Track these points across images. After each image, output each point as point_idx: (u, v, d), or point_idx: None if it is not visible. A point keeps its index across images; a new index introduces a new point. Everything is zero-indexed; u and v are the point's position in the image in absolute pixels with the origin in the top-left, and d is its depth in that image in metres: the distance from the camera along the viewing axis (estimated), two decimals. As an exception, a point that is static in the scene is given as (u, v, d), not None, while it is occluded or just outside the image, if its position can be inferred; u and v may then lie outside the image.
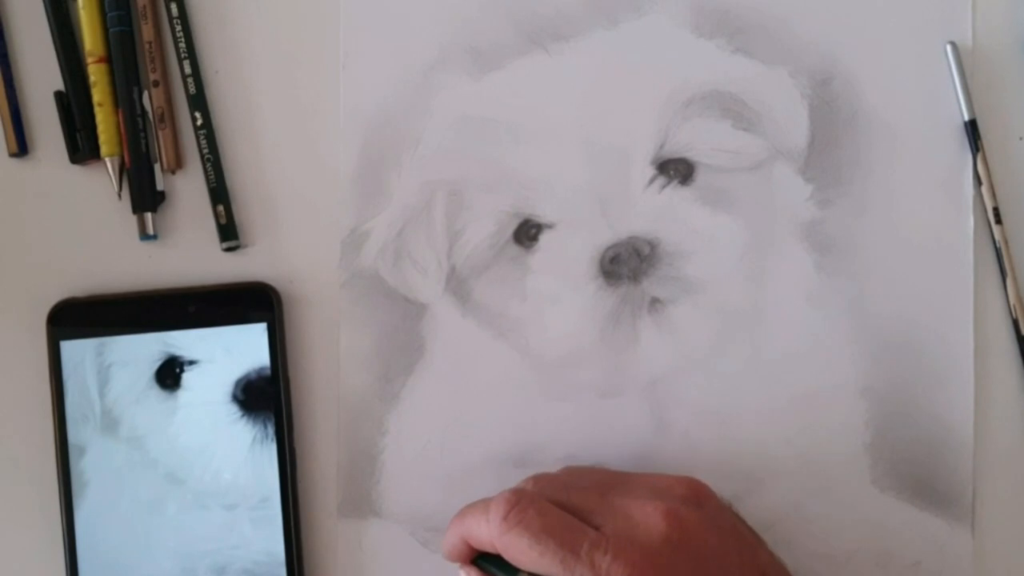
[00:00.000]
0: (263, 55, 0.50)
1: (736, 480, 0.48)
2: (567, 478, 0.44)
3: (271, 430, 0.48)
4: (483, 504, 0.42)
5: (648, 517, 0.40)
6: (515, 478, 0.47)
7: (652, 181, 0.48)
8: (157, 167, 0.50)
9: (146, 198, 0.49)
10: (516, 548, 0.40)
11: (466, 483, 0.49)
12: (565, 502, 0.41)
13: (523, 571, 0.41)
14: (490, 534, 0.41)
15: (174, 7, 0.49)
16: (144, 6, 0.49)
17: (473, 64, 0.49)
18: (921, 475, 0.48)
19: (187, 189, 0.50)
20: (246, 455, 0.48)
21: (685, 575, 0.39)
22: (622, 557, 0.39)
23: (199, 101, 0.49)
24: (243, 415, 0.48)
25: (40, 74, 0.50)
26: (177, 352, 0.48)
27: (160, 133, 0.49)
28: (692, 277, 0.48)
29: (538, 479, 0.43)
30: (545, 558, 0.39)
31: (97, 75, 0.49)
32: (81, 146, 0.49)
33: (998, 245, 0.48)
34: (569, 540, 0.39)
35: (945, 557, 0.48)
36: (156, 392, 0.48)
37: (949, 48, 0.48)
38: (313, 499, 0.49)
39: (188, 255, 0.50)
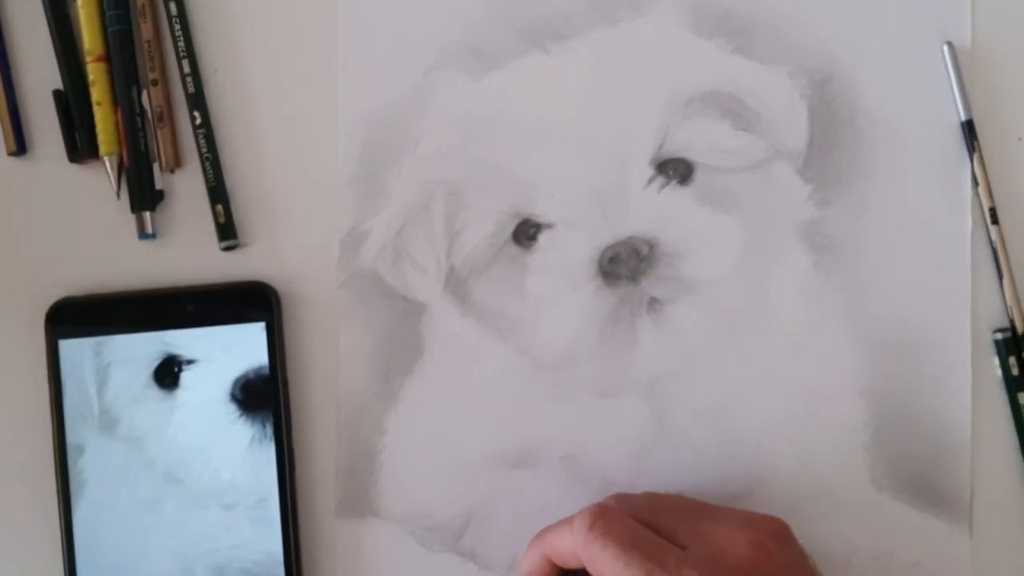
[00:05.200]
0: (262, 54, 0.50)
1: (736, 480, 0.48)
2: (648, 501, 0.44)
3: (270, 430, 0.48)
4: (565, 521, 0.42)
5: (735, 545, 0.40)
6: (514, 478, 0.47)
7: (651, 181, 0.48)
8: (156, 166, 0.49)
9: (145, 197, 0.49)
10: (601, 558, 0.40)
11: (465, 483, 0.49)
12: (649, 521, 0.41)
13: None
14: (575, 544, 0.41)
15: (173, 6, 0.49)
16: (143, 5, 0.49)
17: (473, 64, 0.49)
18: (920, 475, 0.48)
19: (186, 188, 0.50)
20: (245, 455, 0.48)
21: None
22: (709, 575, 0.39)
23: (198, 100, 0.49)
24: (242, 414, 0.48)
25: (39, 73, 0.50)
26: (176, 351, 0.48)
27: (159, 132, 0.49)
28: (691, 277, 0.48)
29: (619, 498, 0.43)
30: (630, 569, 0.39)
31: (96, 74, 0.49)
32: (80, 145, 0.49)
33: (994, 245, 0.48)
34: (656, 554, 0.39)
35: (943, 557, 0.48)
36: (155, 391, 0.48)
37: (946, 48, 0.49)
38: (312, 499, 0.49)
39: (187, 254, 0.50)
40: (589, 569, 0.41)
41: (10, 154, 0.50)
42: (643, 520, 0.41)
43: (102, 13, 0.49)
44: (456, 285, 0.49)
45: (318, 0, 0.50)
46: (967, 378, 0.48)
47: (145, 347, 0.48)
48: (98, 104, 0.49)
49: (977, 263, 0.49)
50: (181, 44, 0.49)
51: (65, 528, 0.48)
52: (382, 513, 0.49)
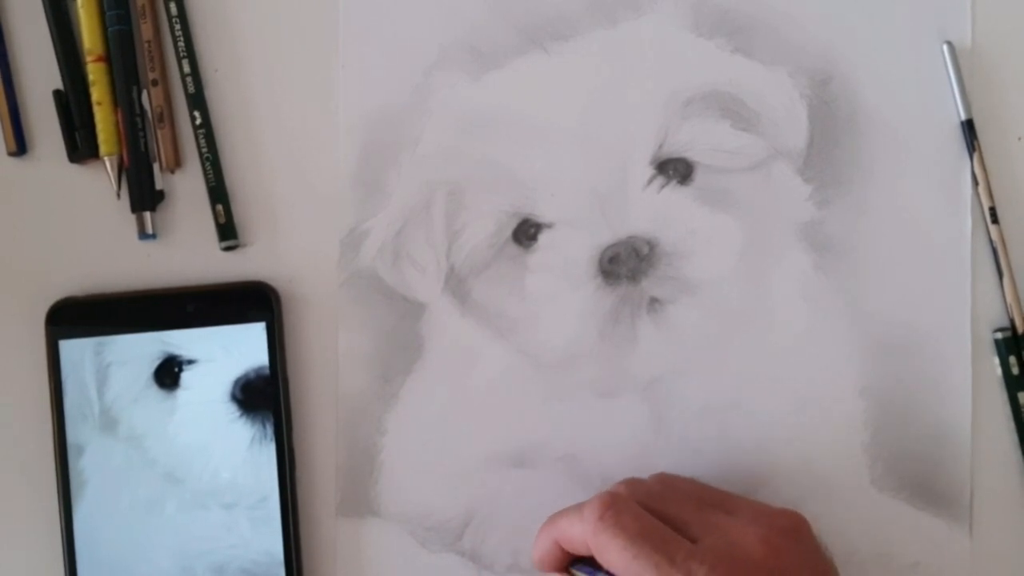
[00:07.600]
0: (262, 54, 0.50)
1: (735, 480, 0.48)
2: (660, 487, 0.43)
3: (270, 429, 0.48)
4: (575, 507, 0.42)
5: (747, 539, 0.40)
6: (514, 478, 0.47)
7: (651, 181, 0.48)
8: (156, 166, 0.50)
9: (145, 197, 0.49)
10: (610, 549, 0.40)
11: (465, 483, 0.49)
12: (660, 510, 0.41)
13: None
14: (584, 533, 0.41)
15: (173, 6, 0.49)
16: (143, 5, 0.49)
17: (473, 64, 0.49)
18: (919, 475, 0.48)
19: (186, 188, 0.50)
20: (245, 454, 0.48)
21: None
22: (718, 571, 0.38)
23: (198, 100, 0.49)
24: (242, 414, 0.48)
25: (39, 73, 0.50)
26: (176, 351, 0.48)
27: (159, 132, 0.49)
28: (691, 277, 0.48)
29: (631, 484, 0.43)
30: (639, 561, 0.39)
31: (96, 74, 0.49)
32: (80, 145, 0.49)
33: (994, 245, 0.48)
34: (665, 547, 0.39)
35: (943, 557, 0.48)
36: (155, 391, 0.48)
37: (945, 48, 0.49)
38: (312, 499, 0.49)
39: (187, 254, 0.50)
40: (598, 558, 0.41)
41: (10, 154, 0.50)
42: (654, 508, 0.41)
43: (102, 13, 0.49)
44: (456, 285, 0.49)
45: (318, 0, 0.50)
46: (967, 378, 0.48)
47: (145, 347, 0.48)
48: (98, 104, 0.49)
49: (977, 262, 0.49)
50: (181, 44, 0.49)
51: (65, 528, 0.48)
52: (382, 513, 0.49)
